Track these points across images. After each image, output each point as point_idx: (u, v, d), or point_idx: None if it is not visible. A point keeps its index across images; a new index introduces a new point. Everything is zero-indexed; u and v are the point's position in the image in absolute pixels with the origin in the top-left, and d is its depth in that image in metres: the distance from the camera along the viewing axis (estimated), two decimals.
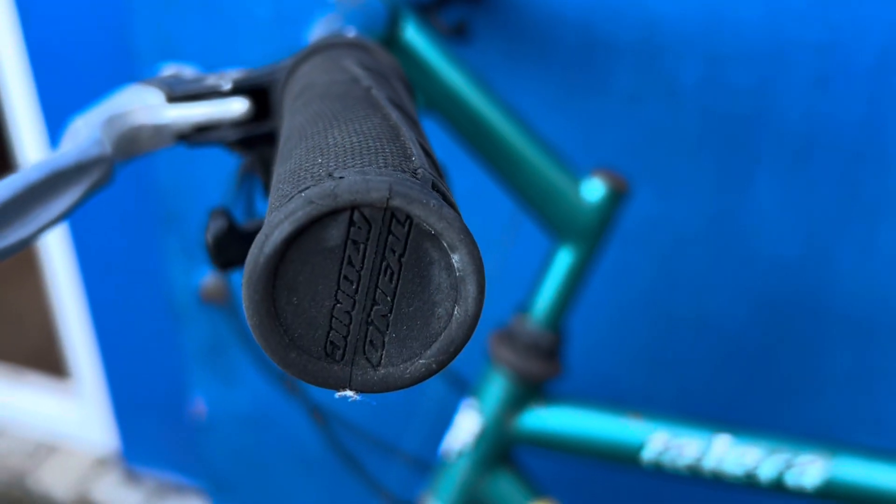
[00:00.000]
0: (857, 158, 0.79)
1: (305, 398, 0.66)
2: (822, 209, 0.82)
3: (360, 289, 0.23)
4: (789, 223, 0.83)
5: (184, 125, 0.38)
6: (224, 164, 0.99)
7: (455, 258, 0.23)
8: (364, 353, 0.24)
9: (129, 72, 1.10)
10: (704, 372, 0.94)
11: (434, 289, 0.24)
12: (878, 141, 0.77)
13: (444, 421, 0.76)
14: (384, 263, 0.23)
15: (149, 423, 1.53)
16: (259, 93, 0.39)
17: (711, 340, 0.92)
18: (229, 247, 0.36)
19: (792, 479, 0.58)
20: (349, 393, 0.24)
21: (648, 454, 0.61)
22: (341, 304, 0.23)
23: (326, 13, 0.51)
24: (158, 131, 0.37)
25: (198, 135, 0.39)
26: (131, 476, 1.60)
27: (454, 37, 0.78)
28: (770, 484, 0.59)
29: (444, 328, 0.24)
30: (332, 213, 0.22)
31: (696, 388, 0.95)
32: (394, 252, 0.23)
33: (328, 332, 0.24)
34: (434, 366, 0.24)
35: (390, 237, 0.23)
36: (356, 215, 0.22)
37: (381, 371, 0.24)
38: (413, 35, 0.58)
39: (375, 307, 0.24)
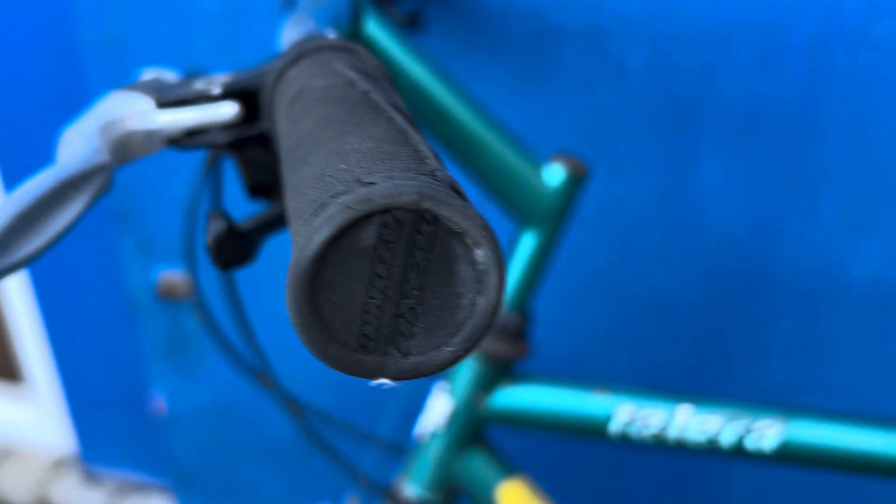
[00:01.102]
0: (798, 134, 0.82)
1: (281, 391, 0.67)
2: (767, 184, 0.85)
3: (390, 284, 0.25)
4: (736, 198, 0.86)
5: (174, 130, 0.39)
6: (178, 160, 0.98)
7: (479, 253, 0.25)
8: (395, 344, 0.26)
9: (74, 67, 1.08)
10: (662, 345, 0.97)
11: (459, 282, 0.25)
12: (816, 117, 0.81)
13: (416, 405, 0.78)
14: (413, 260, 0.25)
15: (107, 423, 1.51)
16: (247, 96, 0.40)
17: (667, 315, 0.95)
18: (229, 247, 0.37)
19: (751, 444, 0.61)
20: (384, 380, 0.26)
21: (615, 426, 0.64)
22: (374, 299, 0.25)
23: (280, 8, 0.52)
24: (150, 136, 0.38)
25: (188, 139, 0.40)
26: (91, 477, 1.58)
27: (408, 27, 0.79)
28: (731, 449, 0.62)
29: (469, 317, 0.26)
30: (367, 217, 0.24)
31: (655, 362, 0.98)
32: (421, 249, 0.25)
33: (362, 326, 0.25)
34: (461, 352, 0.26)
35: (418, 236, 0.24)
36: (388, 218, 0.24)
37: (412, 359, 0.26)
38: (374, 28, 0.59)
39: (405, 301, 0.25)
